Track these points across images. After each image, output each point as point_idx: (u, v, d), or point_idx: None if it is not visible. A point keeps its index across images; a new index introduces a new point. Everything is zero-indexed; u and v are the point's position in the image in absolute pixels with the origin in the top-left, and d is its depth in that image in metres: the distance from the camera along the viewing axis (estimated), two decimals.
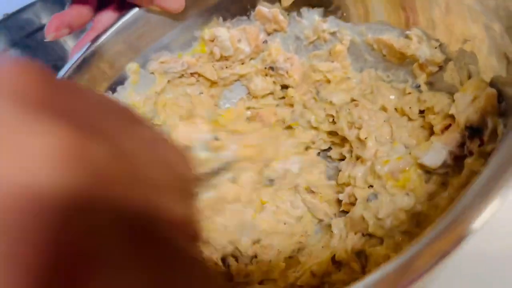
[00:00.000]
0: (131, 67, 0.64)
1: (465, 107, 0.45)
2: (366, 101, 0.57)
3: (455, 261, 0.30)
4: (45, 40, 0.59)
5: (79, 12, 0.58)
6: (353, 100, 0.59)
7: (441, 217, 0.30)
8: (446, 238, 0.29)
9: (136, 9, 0.61)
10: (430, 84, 0.56)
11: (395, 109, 0.56)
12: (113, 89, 0.64)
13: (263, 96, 0.71)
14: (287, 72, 0.68)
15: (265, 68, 0.69)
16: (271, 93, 0.72)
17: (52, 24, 0.57)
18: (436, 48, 0.54)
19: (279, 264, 0.53)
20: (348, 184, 0.54)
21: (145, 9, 0.62)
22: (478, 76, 0.47)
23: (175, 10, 0.62)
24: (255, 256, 0.54)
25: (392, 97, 0.57)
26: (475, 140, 0.44)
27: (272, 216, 0.56)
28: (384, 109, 0.57)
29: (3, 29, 0.98)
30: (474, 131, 0.44)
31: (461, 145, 0.46)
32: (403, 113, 0.55)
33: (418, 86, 0.57)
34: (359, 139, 0.55)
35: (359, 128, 0.56)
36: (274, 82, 0.70)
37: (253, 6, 0.68)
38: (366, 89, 0.61)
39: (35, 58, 1.03)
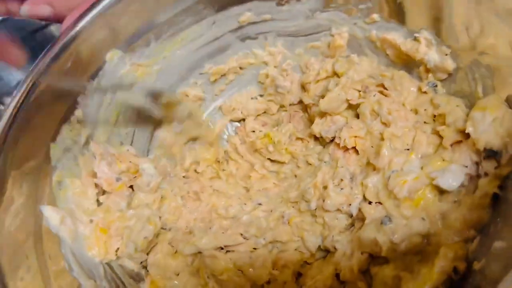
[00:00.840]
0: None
1: (485, 128, 0.43)
2: (393, 91, 0.54)
3: None
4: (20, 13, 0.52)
5: None
6: (380, 85, 0.56)
7: None
8: None
9: None
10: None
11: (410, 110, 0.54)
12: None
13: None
14: (287, 92, 0.64)
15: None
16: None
17: (30, 1, 0.50)
18: (446, 55, 0.52)
19: (293, 285, 0.52)
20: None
21: None
22: (496, 95, 0.45)
23: None
24: (268, 282, 0.53)
25: (413, 89, 0.55)
26: (492, 162, 0.44)
27: (291, 232, 0.55)
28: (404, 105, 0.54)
29: (3, 29, 0.93)
30: (492, 153, 0.43)
31: (475, 163, 0.46)
32: (416, 113, 0.53)
33: (435, 86, 0.54)
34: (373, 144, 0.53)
35: (386, 125, 0.53)
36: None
37: None
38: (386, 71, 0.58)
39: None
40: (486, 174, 0.44)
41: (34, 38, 0.94)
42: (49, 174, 0.52)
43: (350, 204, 0.52)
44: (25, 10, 0.52)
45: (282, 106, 0.68)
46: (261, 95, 0.70)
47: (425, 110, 0.53)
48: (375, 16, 0.58)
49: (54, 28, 0.92)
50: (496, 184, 0.43)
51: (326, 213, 0.53)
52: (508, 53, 0.44)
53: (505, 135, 0.42)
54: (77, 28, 0.53)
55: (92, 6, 0.54)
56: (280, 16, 0.64)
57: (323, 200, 0.53)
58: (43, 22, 0.93)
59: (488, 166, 0.44)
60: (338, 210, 0.53)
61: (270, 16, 0.64)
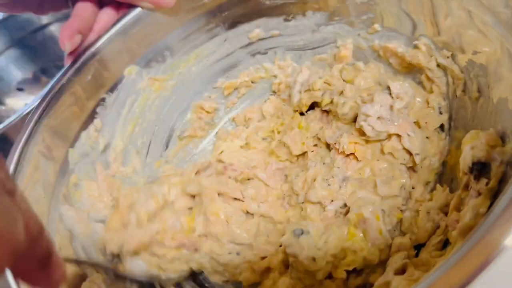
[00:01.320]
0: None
1: (467, 153, 0.44)
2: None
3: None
4: (65, 52, 0.57)
5: (83, 16, 0.57)
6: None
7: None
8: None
9: (136, 11, 0.60)
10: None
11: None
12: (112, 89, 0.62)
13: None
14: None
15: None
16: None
17: (64, 35, 0.55)
18: (448, 57, 0.53)
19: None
20: None
21: (143, 10, 0.60)
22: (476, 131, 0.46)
23: (166, 4, 0.59)
24: None
25: (418, 99, 0.56)
26: (482, 180, 0.43)
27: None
28: None
29: (3, 29, 0.99)
30: (482, 166, 0.43)
31: None
32: (418, 126, 0.54)
33: None
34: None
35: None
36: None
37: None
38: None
39: (35, 58, 1.04)
40: (479, 193, 0.43)
41: (34, 38, 1.00)
42: (66, 176, 0.56)
43: (332, 201, 0.52)
44: (68, 46, 0.56)
45: (295, 111, 0.69)
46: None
47: (426, 123, 0.53)
48: (377, 26, 0.60)
49: (54, 28, 0.99)
50: (488, 202, 0.42)
51: (309, 205, 0.54)
52: (498, 50, 0.44)
53: (488, 147, 0.42)
54: (97, 45, 0.59)
55: (111, 27, 0.60)
56: (288, 31, 0.67)
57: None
58: (43, 22, 0.98)
59: (480, 185, 0.43)
60: (320, 203, 0.53)
61: (278, 31, 0.67)
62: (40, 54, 1.04)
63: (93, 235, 0.55)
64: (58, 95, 0.56)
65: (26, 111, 0.67)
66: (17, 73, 1.04)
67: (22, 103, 1.03)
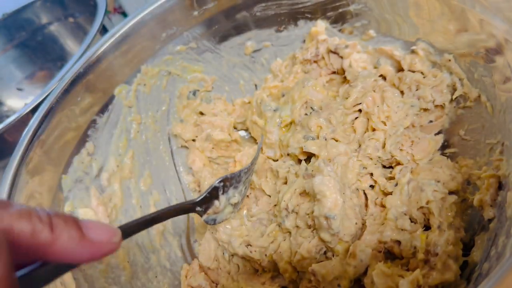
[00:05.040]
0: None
1: None
2: None
3: None
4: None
5: None
6: None
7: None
8: None
9: (123, 29, 0.58)
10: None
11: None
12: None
13: None
14: None
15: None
16: None
17: None
18: (449, 60, 0.52)
19: None
20: None
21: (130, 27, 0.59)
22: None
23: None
24: None
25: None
26: None
27: None
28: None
29: (3, 29, 0.99)
30: None
31: None
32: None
33: None
34: None
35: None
36: None
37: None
38: None
39: (35, 58, 1.02)
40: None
41: (34, 38, 0.98)
42: (61, 204, 0.53)
43: None
44: None
45: None
46: None
47: None
48: (371, 32, 0.60)
49: (53, 28, 0.97)
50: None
51: None
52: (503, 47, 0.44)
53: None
54: (85, 65, 0.56)
55: (101, 45, 0.57)
56: (280, 42, 0.66)
57: None
58: (43, 22, 0.97)
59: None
60: None
61: (270, 43, 0.66)
62: (40, 54, 1.03)
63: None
64: (48, 119, 0.53)
65: (26, 111, 0.63)
66: (17, 73, 1.03)
67: (21, 103, 1.00)
